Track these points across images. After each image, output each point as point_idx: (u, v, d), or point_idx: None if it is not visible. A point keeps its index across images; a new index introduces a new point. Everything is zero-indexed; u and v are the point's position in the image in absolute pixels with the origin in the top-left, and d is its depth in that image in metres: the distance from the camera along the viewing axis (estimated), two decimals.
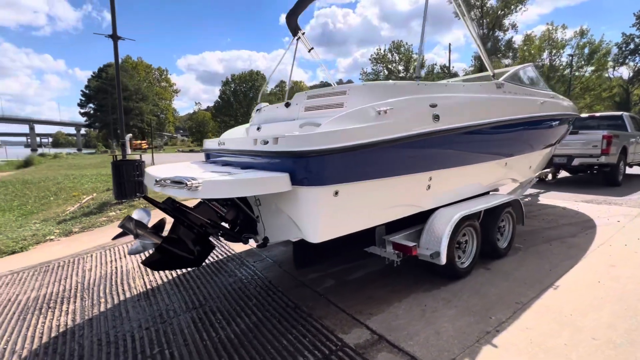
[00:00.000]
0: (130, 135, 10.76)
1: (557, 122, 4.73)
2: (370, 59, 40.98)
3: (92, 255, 4.65)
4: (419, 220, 3.14)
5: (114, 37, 8.46)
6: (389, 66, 40.84)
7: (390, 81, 2.68)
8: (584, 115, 9.11)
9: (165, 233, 2.82)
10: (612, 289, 2.95)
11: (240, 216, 3.03)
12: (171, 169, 2.85)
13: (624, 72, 40.09)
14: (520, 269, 3.45)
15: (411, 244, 2.83)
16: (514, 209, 3.89)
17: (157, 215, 2.89)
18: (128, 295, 3.38)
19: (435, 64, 42.12)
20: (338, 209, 2.35)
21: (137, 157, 8.05)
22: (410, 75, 43.50)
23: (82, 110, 54.42)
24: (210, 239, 3.02)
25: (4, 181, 12.72)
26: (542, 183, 8.82)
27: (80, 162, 23.75)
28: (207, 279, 3.61)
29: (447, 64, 39.15)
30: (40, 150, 52.94)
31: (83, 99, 53.44)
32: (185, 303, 3.11)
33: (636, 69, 37.61)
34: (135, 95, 50.40)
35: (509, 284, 3.11)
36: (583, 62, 34.66)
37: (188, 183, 1.97)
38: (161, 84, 60.63)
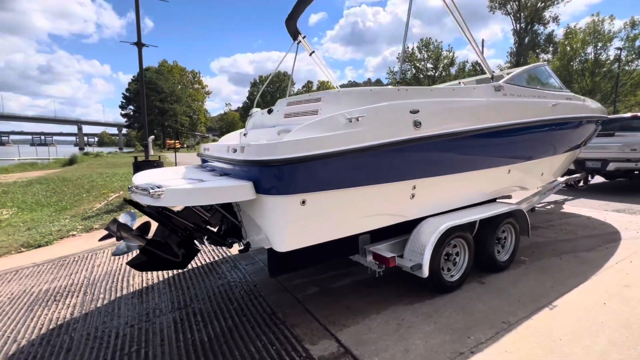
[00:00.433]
0: (152, 137, 11.33)
1: (575, 125, 4.35)
2: (397, 58, 40.06)
3: (103, 252, 4.96)
4: (410, 230, 3.02)
5: (139, 44, 8.95)
6: (417, 64, 39.71)
7: (368, 87, 2.61)
8: (627, 115, 8.30)
9: (151, 235, 2.95)
10: (618, 313, 2.67)
11: (225, 221, 3.10)
12: (156, 174, 2.97)
13: None
14: (518, 284, 3.22)
15: (389, 254, 2.74)
16: (517, 219, 3.63)
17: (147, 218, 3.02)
18: (125, 292, 3.57)
19: (467, 62, 40.31)
20: (306, 218, 2.32)
21: (156, 158, 8.45)
22: (439, 74, 42.06)
23: (123, 112, 58.13)
24: (196, 242, 3.12)
25: (47, 178, 13.92)
26: (571, 189, 8.18)
27: (117, 160, 25.41)
28: (199, 279, 3.72)
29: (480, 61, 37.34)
30: (86, 149, 57.38)
31: (124, 101, 57.06)
32: (172, 303, 3.23)
33: None
34: (170, 97, 53.04)
35: (500, 301, 2.91)
36: (634, 56, 31.64)
37: (151, 191, 2.04)
38: (194, 86, 63.31)
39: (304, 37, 4.53)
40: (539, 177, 4.29)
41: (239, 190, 2.18)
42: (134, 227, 2.82)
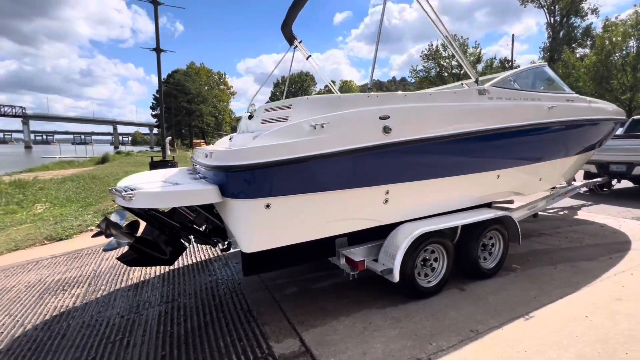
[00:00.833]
0: (169, 138, 11.90)
1: (578, 128, 4.13)
2: (421, 56, 39.04)
3: None
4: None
5: (157, 50, 9.43)
6: (442, 62, 38.51)
7: (337, 94, 2.66)
8: None
9: (140, 233, 3.17)
10: (598, 327, 2.55)
11: (209, 221, 3.27)
12: (145, 176, 3.18)
13: None
14: (501, 293, 3.14)
15: (359, 258, 2.78)
16: (506, 226, 3.53)
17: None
18: (123, 285, 3.84)
19: (495, 58, 38.51)
20: (271, 221, 2.42)
21: (171, 158, 8.87)
22: (464, 72, 40.44)
23: (153, 112, 61.11)
24: (182, 240, 3.31)
25: (78, 176, 14.97)
26: (593, 194, 7.71)
27: (145, 159, 26.75)
28: (190, 275, 3.92)
29: (510, 57, 35.72)
30: (120, 148, 60.89)
31: (154, 102, 59.98)
32: (162, 296, 3.45)
33: None
34: (197, 98, 55.04)
35: (476, 308, 2.86)
36: None
37: (123, 193, 2.22)
38: (220, 87, 65.24)
39: (300, 42, 4.64)
40: (537, 183, 4.12)
41: (204, 194, 2.32)
42: (123, 225, 3.05)
